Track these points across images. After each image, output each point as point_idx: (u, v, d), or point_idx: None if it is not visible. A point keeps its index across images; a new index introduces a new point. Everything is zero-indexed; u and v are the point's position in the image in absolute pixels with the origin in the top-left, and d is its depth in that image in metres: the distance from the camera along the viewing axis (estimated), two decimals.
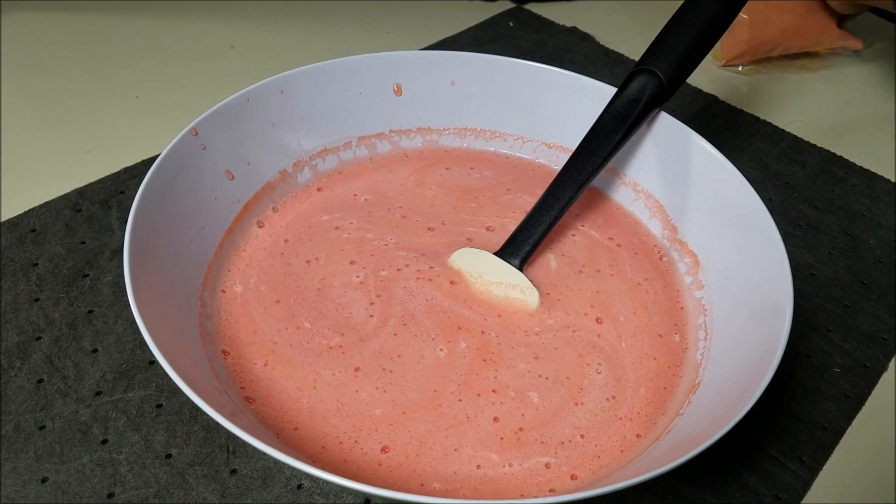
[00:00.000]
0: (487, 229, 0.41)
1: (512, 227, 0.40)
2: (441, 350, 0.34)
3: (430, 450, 0.31)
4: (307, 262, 0.38)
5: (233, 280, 0.37)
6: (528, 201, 0.42)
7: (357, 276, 0.37)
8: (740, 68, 0.63)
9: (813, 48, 0.63)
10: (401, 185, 0.43)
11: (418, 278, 0.37)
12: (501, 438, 0.32)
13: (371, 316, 0.35)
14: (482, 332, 0.35)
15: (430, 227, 0.41)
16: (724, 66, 0.63)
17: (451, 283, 0.38)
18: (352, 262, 0.38)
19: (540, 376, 0.34)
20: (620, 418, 0.33)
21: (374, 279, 0.37)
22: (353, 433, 0.31)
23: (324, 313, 0.36)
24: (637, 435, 0.32)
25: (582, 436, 0.32)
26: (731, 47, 0.61)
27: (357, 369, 0.33)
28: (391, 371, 0.33)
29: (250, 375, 0.33)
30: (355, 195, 0.42)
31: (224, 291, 0.37)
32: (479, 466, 0.31)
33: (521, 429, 0.32)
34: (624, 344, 0.36)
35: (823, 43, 0.63)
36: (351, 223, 0.40)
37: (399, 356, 0.34)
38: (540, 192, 0.40)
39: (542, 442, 0.32)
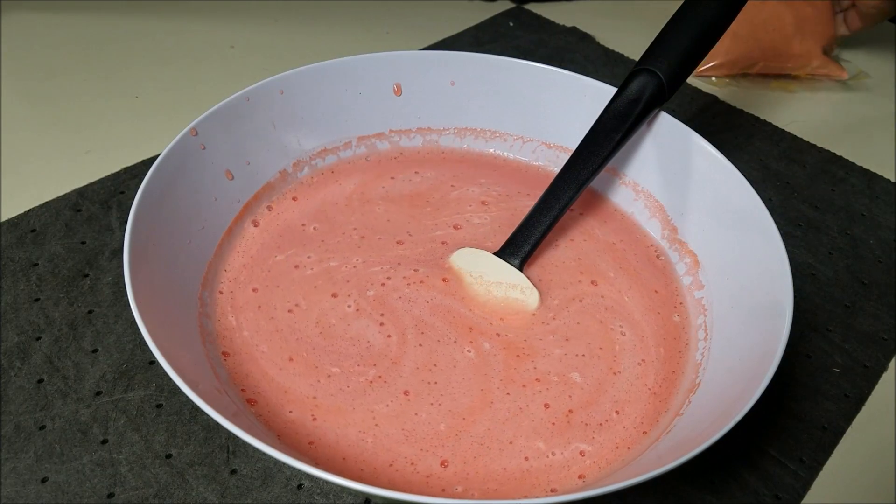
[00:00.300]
0: (455, 228, 0.41)
1: (477, 221, 0.41)
2: (469, 351, 0.35)
3: (488, 449, 0.31)
4: (289, 311, 0.36)
5: (226, 317, 0.35)
6: (476, 192, 0.44)
7: (349, 306, 0.36)
8: (713, 79, 0.61)
9: (794, 72, 0.61)
10: (346, 206, 0.42)
11: (409, 284, 0.37)
12: (553, 424, 0.33)
13: (388, 336, 0.35)
14: (497, 333, 0.36)
15: (399, 241, 0.40)
16: (697, 74, 0.61)
17: (444, 280, 0.38)
18: (333, 295, 0.36)
19: (577, 355, 0.35)
20: (649, 388, 0.34)
21: (367, 301, 0.36)
22: (415, 456, 0.31)
23: (343, 352, 0.34)
24: (644, 432, 0.32)
25: (617, 412, 0.33)
26: (707, 57, 0.59)
27: (406, 392, 0.33)
28: (436, 383, 0.33)
29: (302, 432, 0.31)
30: (303, 225, 0.40)
31: (222, 293, 0.36)
32: (526, 458, 0.31)
33: (570, 411, 0.33)
34: (627, 298, 0.38)
35: (805, 68, 0.61)
36: (308, 257, 0.38)
37: (435, 365, 0.34)
38: (484, 180, 0.43)
39: (585, 423, 0.33)
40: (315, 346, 0.34)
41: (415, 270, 0.38)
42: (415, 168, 0.45)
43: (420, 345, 0.35)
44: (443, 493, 0.30)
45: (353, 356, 0.34)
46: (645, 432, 0.33)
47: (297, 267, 0.38)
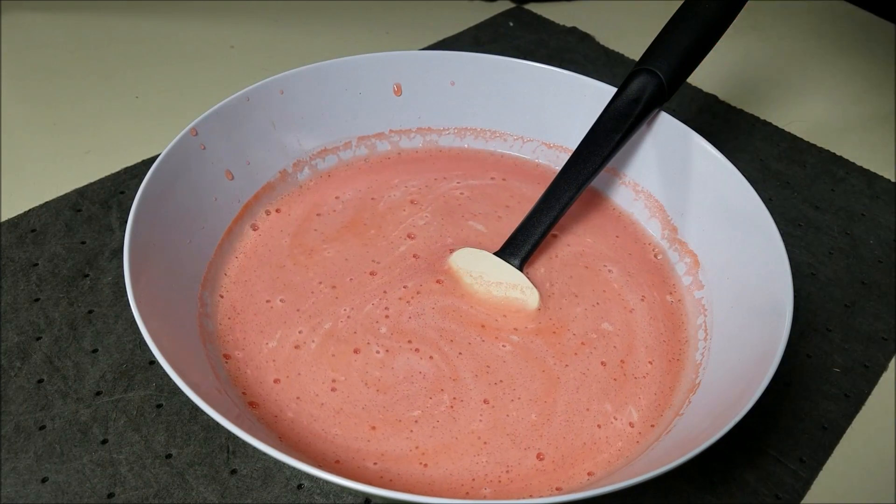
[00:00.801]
0: (410, 237, 0.40)
1: (422, 223, 0.41)
2: (504, 346, 0.35)
3: (572, 424, 0.33)
4: (332, 389, 0.33)
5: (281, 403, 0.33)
6: (398, 195, 0.43)
7: (377, 352, 0.35)
8: None
9: None
10: (294, 265, 0.38)
11: (408, 301, 0.37)
12: (615, 380, 0.34)
13: (430, 357, 0.34)
14: (515, 328, 0.36)
15: (372, 272, 0.38)
16: None
17: (438, 282, 0.38)
18: (356, 351, 0.35)
19: (594, 305, 0.38)
20: (664, 340, 0.36)
21: (388, 339, 0.35)
22: (515, 457, 0.31)
23: (409, 395, 0.33)
24: (651, 425, 0.33)
25: (650, 362, 0.35)
26: None
27: (486, 401, 0.33)
28: (501, 381, 0.34)
29: (424, 481, 0.30)
30: (267, 301, 0.36)
31: (222, 297, 0.36)
32: (599, 426, 0.33)
33: (622, 361, 0.35)
34: (589, 240, 0.41)
35: None
36: (300, 332, 0.35)
37: (488, 367, 0.34)
38: (398, 180, 0.43)
39: (635, 377, 0.35)
40: (384, 405, 0.33)
41: (405, 287, 0.38)
42: (333, 193, 0.43)
43: (460, 353, 0.35)
44: (466, 495, 0.30)
45: (420, 393, 0.33)
46: (653, 425, 0.33)
47: (297, 347, 0.35)
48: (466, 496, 0.30)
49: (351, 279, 0.38)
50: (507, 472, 0.31)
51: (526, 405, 0.33)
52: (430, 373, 0.34)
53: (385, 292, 0.37)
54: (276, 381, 0.33)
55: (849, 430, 0.36)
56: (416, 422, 0.32)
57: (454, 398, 0.33)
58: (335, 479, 0.24)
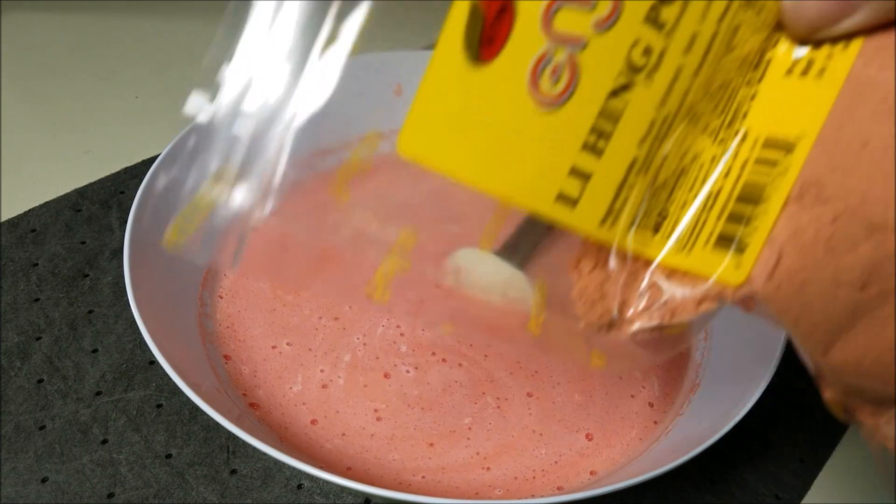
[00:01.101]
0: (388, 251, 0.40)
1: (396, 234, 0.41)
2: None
3: (612, 397, 0.33)
4: (378, 419, 0.33)
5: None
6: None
7: (407, 371, 0.34)
8: None
9: None
10: (283, 307, 0.37)
11: (416, 314, 0.37)
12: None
13: (460, 365, 0.34)
14: (524, 325, 0.36)
15: (367, 295, 0.38)
16: None
17: (436, 286, 0.38)
18: (386, 376, 0.34)
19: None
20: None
21: (411, 355, 0.35)
22: (567, 442, 0.32)
23: (454, 405, 0.33)
24: (654, 422, 0.33)
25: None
26: None
27: (529, 394, 0.33)
28: (538, 371, 0.34)
29: (488, 489, 0.30)
30: (274, 347, 0.35)
31: (222, 297, 0.36)
32: (633, 396, 0.34)
33: None
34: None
35: None
36: (322, 371, 0.34)
37: (518, 362, 0.35)
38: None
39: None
40: (433, 421, 0.33)
41: (407, 301, 0.38)
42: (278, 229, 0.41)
43: (486, 356, 0.35)
44: (475, 496, 0.30)
45: (463, 401, 0.33)
46: (655, 422, 0.33)
47: (325, 386, 0.34)
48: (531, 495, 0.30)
49: (350, 307, 0.37)
50: (556, 461, 0.31)
51: (567, 388, 0.34)
52: (465, 379, 0.34)
53: (390, 310, 0.37)
54: (312, 421, 0.32)
55: (849, 431, 0.36)
56: (469, 428, 0.32)
57: (498, 398, 0.33)
58: (335, 479, 0.24)
